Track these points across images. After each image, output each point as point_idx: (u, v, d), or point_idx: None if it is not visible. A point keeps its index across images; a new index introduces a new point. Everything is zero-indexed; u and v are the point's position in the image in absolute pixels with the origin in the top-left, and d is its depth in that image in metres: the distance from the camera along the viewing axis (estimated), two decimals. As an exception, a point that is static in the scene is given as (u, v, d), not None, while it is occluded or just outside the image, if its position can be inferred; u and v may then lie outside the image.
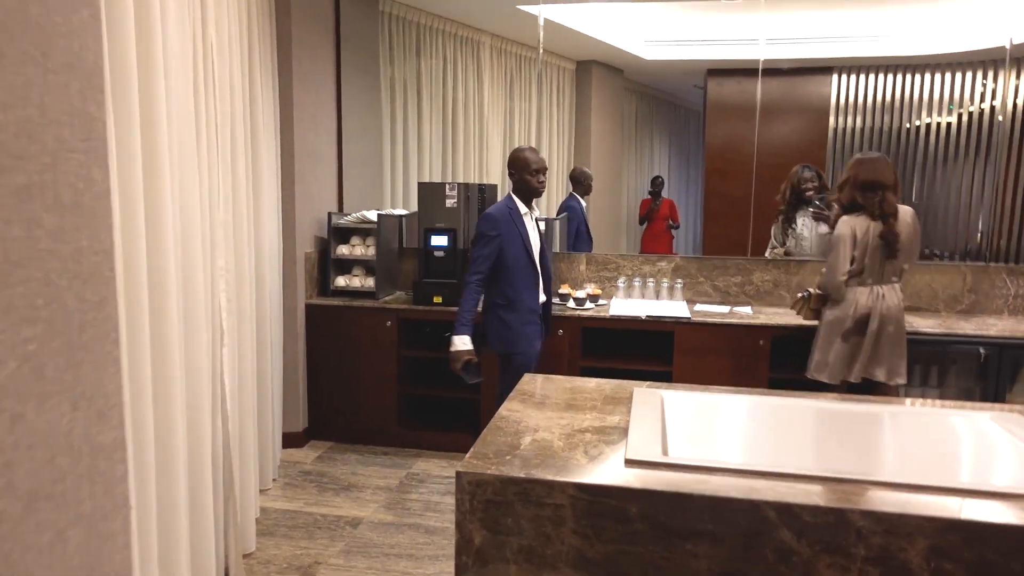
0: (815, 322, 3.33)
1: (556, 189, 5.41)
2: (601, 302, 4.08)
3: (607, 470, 1.65)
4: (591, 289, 4.09)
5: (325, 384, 4.14)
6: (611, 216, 5.86)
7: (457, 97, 5.62)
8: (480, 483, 1.63)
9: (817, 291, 3.30)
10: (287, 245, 3.92)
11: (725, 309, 3.96)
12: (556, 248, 4.43)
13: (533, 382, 2.43)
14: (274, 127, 3.67)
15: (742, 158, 4.67)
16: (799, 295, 3.40)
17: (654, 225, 5.36)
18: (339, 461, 3.94)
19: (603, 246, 5.68)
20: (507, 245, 3.06)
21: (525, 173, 3.09)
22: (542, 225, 3.63)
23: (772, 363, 3.68)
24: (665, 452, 1.76)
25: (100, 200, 0.77)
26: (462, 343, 3.06)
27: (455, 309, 3.80)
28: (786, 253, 4.13)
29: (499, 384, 3.21)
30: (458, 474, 1.65)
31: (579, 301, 3.94)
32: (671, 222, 5.28)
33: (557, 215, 4.85)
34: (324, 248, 4.23)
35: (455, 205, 3.93)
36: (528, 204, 3.18)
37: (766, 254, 4.18)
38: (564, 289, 4.07)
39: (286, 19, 3.76)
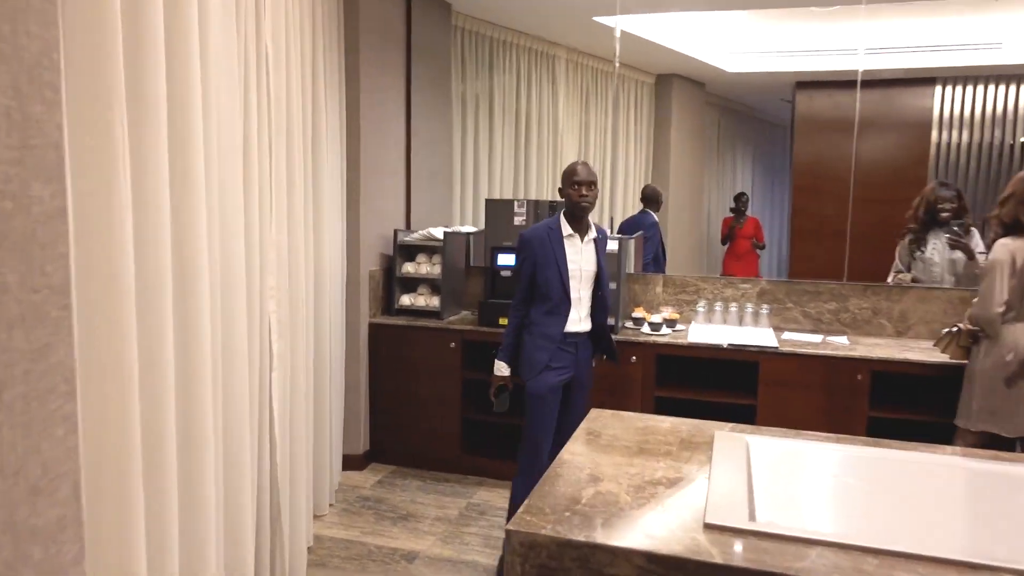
0: (963, 362, 2.97)
1: (632, 206, 5.16)
2: (679, 327, 3.79)
3: (682, 536, 1.40)
4: (668, 313, 3.80)
5: (388, 406, 4.00)
6: (691, 236, 5.54)
7: (531, 112, 5.45)
8: (533, 545, 1.40)
9: (968, 326, 2.91)
10: (351, 263, 3.81)
11: (817, 339, 3.61)
12: (631, 268, 4.16)
13: (600, 419, 2.19)
14: (340, 141, 3.57)
15: (834, 175, 4.31)
16: (945, 331, 3.03)
17: (737, 245, 5.03)
18: (399, 487, 3.77)
19: (681, 267, 5.37)
20: (539, 268, 2.81)
21: (568, 186, 2.80)
22: (612, 245, 3.40)
23: (873, 401, 3.30)
24: (752, 516, 1.49)
25: (45, 223, 0.59)
26: (498, 368, 2.91)
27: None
28: (913, 279, 3.72)
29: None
30: (508, 533, 1.43)
31: (654, 326, 3.67)
32: (756, 242, 4.94)
33: (624, 231, 4.58)
34: (390, 266, 4.10)
35: (524, 223, 3.73)
36: (579, 225, 2.84)
37: (888, 279, 3.79)
38: (638, 313, 3.80)
39: (354, 30, 3.67)
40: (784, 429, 2.11)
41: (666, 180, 5.62)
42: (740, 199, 5.14)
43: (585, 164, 2.83)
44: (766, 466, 1.81)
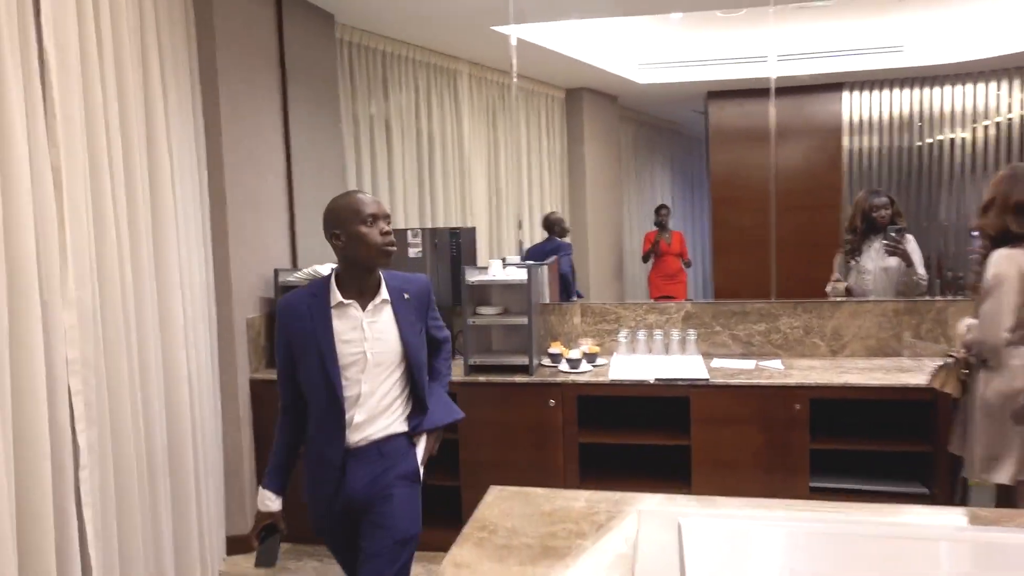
0: (956, 396, 2.56)
1: (536, 232, 4.81)
2: (600, 362, 3.41)
3: None
4: (587, 346, 3.42)
5: (276, 473, 3.45)
6: (611, 256, 5.21)
7: (433, 132, 5.04)
8: None
9: (964, 354, 2.49)
10: (222, 310, 3.29)
11: (750, 364, 3.29)
12: (546, 298, 3.78)
13: (499, 502, 1.76)
14: (195, 173, 3.06)
15: (752, 184, 4.10)
16: (939, 364, 2.59)
17: (665, 263, 4.71)
18: (292, 572, 3.24)
19: (602, 292, 5.03)
20: (299, 356, 1.94)
21: (356, 225, 1.90)
22: (518, 275, 2.98)
23: (814, 430, 2.99)
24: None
25: None
26: (262, 500, 2.01)
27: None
28: (847, 289, 3.49)
29: None
30: None
31: (573, 363, 3.27)
32: (683, 259, 4.64)
33: (533, 258, 4.21)
34: (273, 311, 3.59)
35: (419, 255, 3.30)
36: (360, 284, 1.95)
37: (827, 288, 3.55)
38: (555, 348, 3.41)
39: (209, 48, 3.18)
40: (722, 500, 1.73)
41: (582, 198, 5.30)
42: (661, 212, 4.84)
43: (363, 192, 2.00)
44: (703, 560, 1.41)
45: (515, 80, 4.09)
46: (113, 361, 2.28)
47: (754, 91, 4.07)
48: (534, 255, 4.24)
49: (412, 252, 3.29)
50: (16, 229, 1.82)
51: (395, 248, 1.95)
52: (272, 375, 3.42)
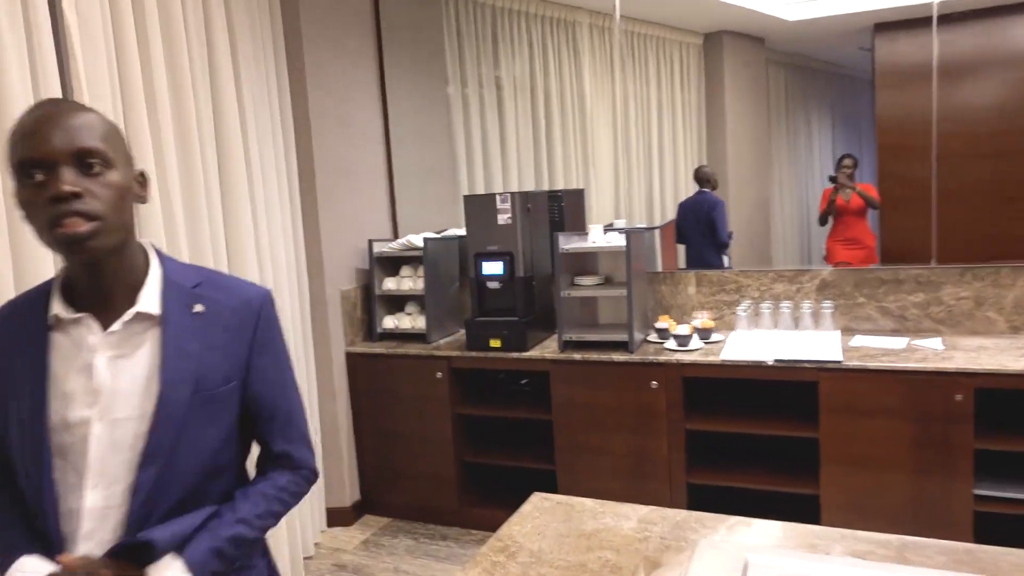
0: None
1: (684, 188, 4.34)
2: (715, 338, 2.99)
3: None
4: (701, 320, 3.01)
5: (376, 448, 3.40)
6: (756, 218, 4.64)
7: (550, 90, 4.73)
8: None
9: None
10: (315, 284, 3.23)
11: (900, 343, 2.72)
12: (656, 266, 3.39)
13: (533, 516, 1.49)
14: (278, 140, 2.99)
15: (926, 129, 3.40)
16: None
17: (844, 224, 3.85)
18: (386, 549, 3.16)
19: (744, 258, 4.48)
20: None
21: (13, 181, 0.97)
22: (617, 241, 2.64)
23: (980, 428, 2.40)
24: None
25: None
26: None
27: (517, 355, 2.92)
28: None
29: None
30: None
31: (681, 339, 2.88)
32: (869, 199, 3.74)
33: (685, 216, 3.79)
34: (369, 283, 3.50)
35: (509, 221, 3.03)
36: (99, 285, 1.03)
37: None
38: (662, 322, 3.03)
39: (292, 5, 3.07)
40: (814, 531, 1.33)
41: (722, 154, 4.75)
42: (843, 163, 3.97)
43: (54, 105, 0.98)
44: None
45: (618, 20, 3.67)
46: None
47: (930, 19, 3.37)
48: (686, 209, 3.91)
49: (501, 218, 3.03)
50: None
51: (87, 230, 0.95)
52: (367, 347, 3.34)
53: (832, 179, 3.93)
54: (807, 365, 2.58)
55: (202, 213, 2.45)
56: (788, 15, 4.52)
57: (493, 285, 3.10)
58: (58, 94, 1.95)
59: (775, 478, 2.77)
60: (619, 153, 4.91)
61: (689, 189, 4.27)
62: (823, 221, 3.81)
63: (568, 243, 3.02)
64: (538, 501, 1.56)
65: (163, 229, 2.30)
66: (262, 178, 2.82)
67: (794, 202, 4.39)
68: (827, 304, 2.95)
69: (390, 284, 3.45)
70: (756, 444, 2.95)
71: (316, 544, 3.18)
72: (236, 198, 2.64)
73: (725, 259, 3.82)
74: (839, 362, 2.54)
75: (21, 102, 1.81)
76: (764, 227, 4.65)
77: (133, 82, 2.19)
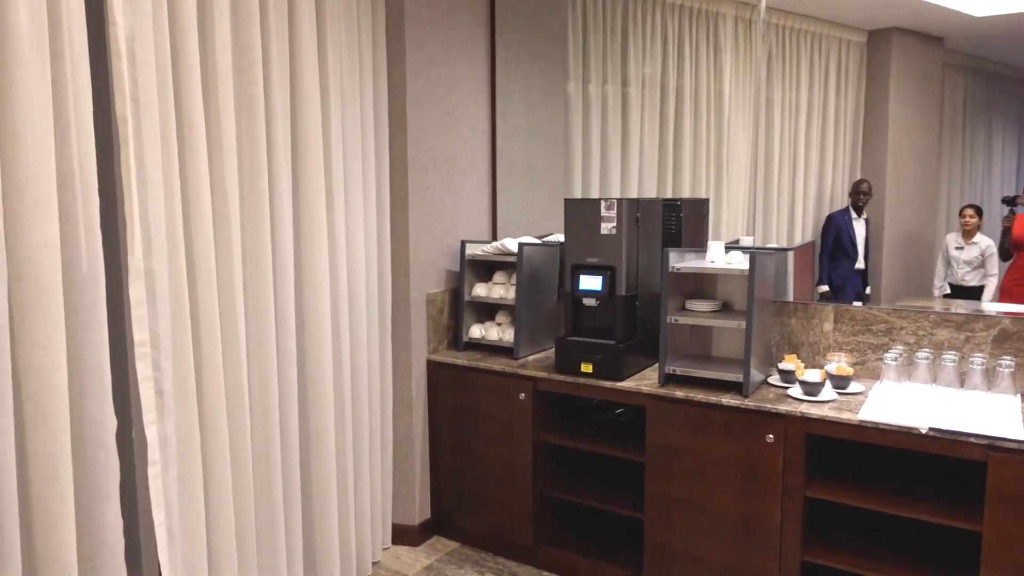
0: None
1: (835, 201, 3.76)
2: (854, 388, 2.46)
3: None
4: (837, 365, 2.49)
5: (452, 466, 3.13)
6: (914, 246, 3.95)
7: (683, 89, 4.27)
8: None
9: None
10: (398, 285, 3.00)
11: (1106, 423, 2.09)
12: (788, 295, 2.89)
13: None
14: (367, 125, 2.76)
15: None
16: None
17: None
18: (448, 579, 2.87)
19: (894, 289, 3.82)
20: None
21: None
22: (740, 263, 2.22)
23: None
24: None
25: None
26: None
27: (609, 384, 2.56)
28: None
29: None
30: None
31: (808, 387, 2.38)
32: None
33: (824, 234, 3.30)
34: (459, 287, 3.23)
35: (613, 231, 2.65)
36: None
37: None
38: (788, 363, 2.54)
39: (395, -13, 2.84)
40: None
41: (880, 168, 4.12)
42: None
43: None
44: None
45: (764, 11, 3.18)
46: (208, 344, 2.05)
47: None
48: (833, 222, 3.44)
49: (605, 228, 2.65)
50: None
51: None
52: (450, 357, 3.07)
53: (1008, 201, 3.21)
54: (973, 440, 2.02)
55: (262, 204, 2.24)
56: (975, 10, 3.80)
57: (590, 302, 2.73)
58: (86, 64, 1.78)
59: (915, 571, 2.21)
60: (757, 163, 4.35)
61: (835, 205, 3.69)
62: (1006, 255, 3.10)
63: (680, 261, 2.60)
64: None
65: (212, 223, 2.11)
66: (343, 169, 2.61)
67: (954, 228, 3.69)
68: (1007, 361, 2.34)
69: (480, 290, 3.16)
70: (891, 526, 2.39)
71: (375, 563, 2.95)
72: (310, 190, 2.44)
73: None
74: (1020, 441, 1.96)
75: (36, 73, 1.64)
76: (923, 256, 3.95)
77: (184, 43, 1.98)
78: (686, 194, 4.19)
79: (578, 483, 2.96)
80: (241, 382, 2.18)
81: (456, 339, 3.23)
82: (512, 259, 3.07)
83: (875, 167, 4.12)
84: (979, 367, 2.36)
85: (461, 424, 3.05)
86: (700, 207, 3.32)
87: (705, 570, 2.50)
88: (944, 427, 2.07)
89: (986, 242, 3.01)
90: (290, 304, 2.39)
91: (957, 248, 3.05)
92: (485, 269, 3.28)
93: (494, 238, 3.42)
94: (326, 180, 2.51)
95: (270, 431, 2.31)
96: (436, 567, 2.97)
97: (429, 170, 3.04)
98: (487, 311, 3.29)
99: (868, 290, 3.37)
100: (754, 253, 2.47)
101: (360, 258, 2.71)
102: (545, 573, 2.91)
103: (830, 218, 3.64)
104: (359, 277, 2.71)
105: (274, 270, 2.33)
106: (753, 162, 4.29)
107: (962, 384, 2.40)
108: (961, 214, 3.16)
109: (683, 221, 3.02)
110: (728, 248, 2.65)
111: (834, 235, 3.59)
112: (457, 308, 3.22)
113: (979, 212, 3.19)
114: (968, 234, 3.03)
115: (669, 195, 4.15)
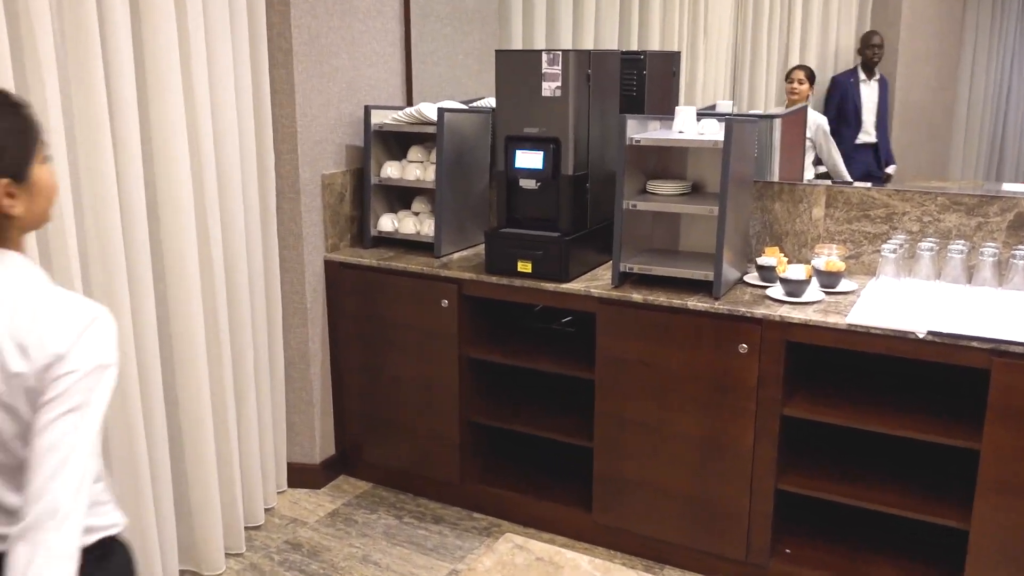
0: None
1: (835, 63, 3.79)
2: (845, 286, 2.56)
3: None
4: (827, 259, 2.57)
5: (362, 390, 3.18)
6: (931, 112, 4.01)
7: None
8: None
9: None
10: (284, 164, 2.93)
11: None
12: (771, 174, 2.95)
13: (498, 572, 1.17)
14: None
15: None
16: None
17: None
18: (358, 527, 2.97)
19: (908, 165, 3.87)
20: None
21: None
22: (715, 135, 2.23)
23: None
24: None
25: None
26: None
27: (552, 287, 2.60)
28: None
29: None
30: None
31: (791, 286, 2.46)
32: None
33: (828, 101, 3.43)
34: (364, 167, 3.18)
35: (558, 93, 2.62)
36: None
37: None
38: (768, 257, 2.61)
39: None
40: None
41: (895, 18, 4.15)
42: None
43: None
44: None
45: None
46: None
47: None
48: (837, 87, 3.53)
49: (547, 89, 2.61)
50: None
51: None
52: (353, 256, 3.05)
53: None
54: (976, 344, 2.13)
55: (91, 50, 2.12)
56: None
57: (529, 184, 2.73)
58: None
59: (904, 499, 2.39)
60: (745, 10, 4.29)
61: (838, 67, 3.72)
62: None
63: (641, 131, 2.60)
64: (507, 551, 1.24)
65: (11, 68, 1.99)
66: (203, 16, 2.48)
67: (987, 98, 3.76)
68: (1022, 252, 2.45)
69: (391, 170, 3.12)
70: (879, 445, 2.55)
71: (268, 509, 3.02)
72: (158, 36, 2.31)
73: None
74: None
75: None
76: (941, 128, 4.03)
77: None
78: (654, 47, 4.14)
79: (514, 408, 3.05)
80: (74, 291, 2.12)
81: (362, 233, 3.21)
82: (431, 130, 3.02)
83: (889, 17, 4.13)
84: (990, 259, 2.47)
85: (370, 339, 3.08)
86: (669, 62, 3.29)
87: (665, 502, 2.63)
88: (945, 330, 2.18)
89: None
90: (138, 187, 2.31)
91: None
92: (397, 143, 3.23)
93: (409, 103, 3.36)
94: (177, 18, 2.38)
95: (122, 356, 2.28)
96: (343, 512, 3.05)
97: (321, 15, 2.92)
98: (401, 197, 3.27)
99: (891, 169, 3.46)
100: (731, 120, 2.49)
101: (231, 127, 2.62)
102: (475, 514, 3.03)
103: (834, 81, 3.68)
104: (231, 150, 2.63)
105: (114, 142, 2.24)
106: (739, 8, 4.24)
107: (970, 280, 2.52)
108: None
109: (647, 80, 3.00)
110: (700, 115, 2.65)
111: (837, 102, 3.64)
112: (362, 194, 3.18)
113: None
114: None
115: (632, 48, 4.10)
